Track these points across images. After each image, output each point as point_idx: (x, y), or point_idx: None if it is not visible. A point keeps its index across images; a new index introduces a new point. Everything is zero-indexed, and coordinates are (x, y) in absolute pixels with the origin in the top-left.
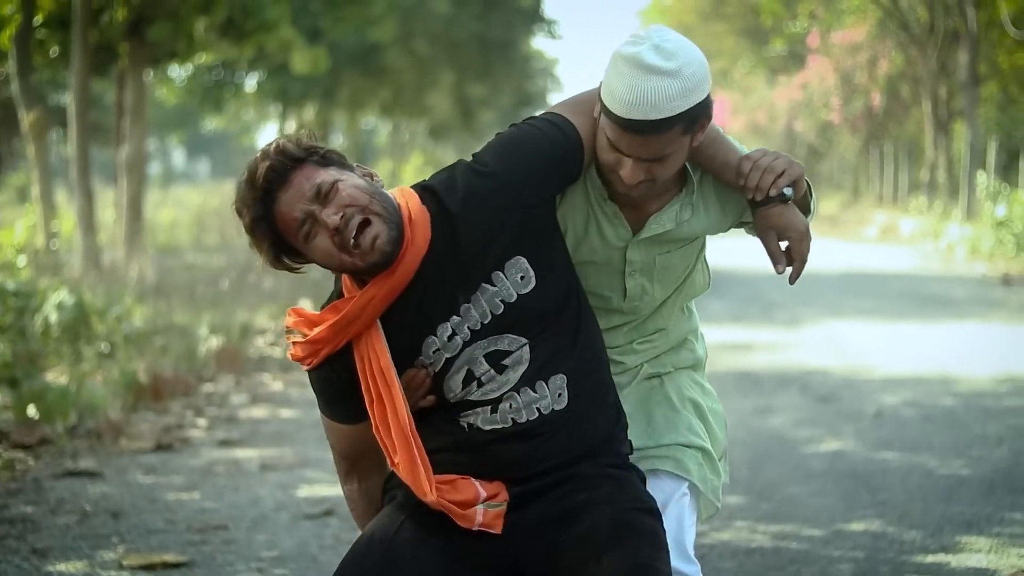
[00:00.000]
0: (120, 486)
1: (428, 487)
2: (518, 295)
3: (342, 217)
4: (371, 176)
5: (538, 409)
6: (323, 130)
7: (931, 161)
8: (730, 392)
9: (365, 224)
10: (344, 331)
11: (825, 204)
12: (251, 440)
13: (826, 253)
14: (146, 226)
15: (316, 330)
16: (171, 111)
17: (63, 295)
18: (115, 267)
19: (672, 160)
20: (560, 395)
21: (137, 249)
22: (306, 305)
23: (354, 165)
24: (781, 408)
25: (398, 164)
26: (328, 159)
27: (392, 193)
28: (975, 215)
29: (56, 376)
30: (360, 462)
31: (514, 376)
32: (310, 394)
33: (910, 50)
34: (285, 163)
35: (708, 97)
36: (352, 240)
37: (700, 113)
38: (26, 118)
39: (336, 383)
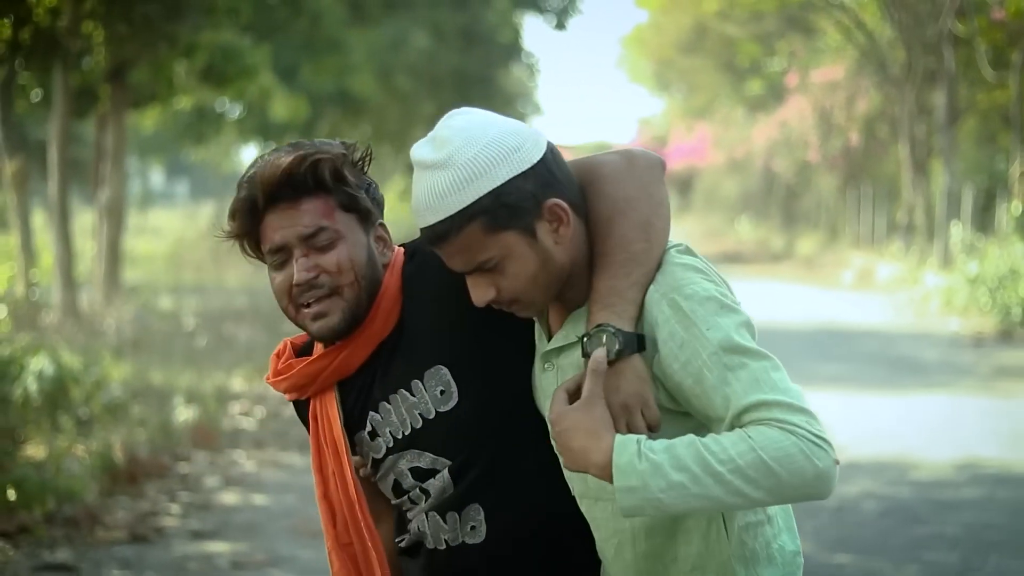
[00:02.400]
0: None
1: (386, 571)
2: (436, 412)
3: (312, 278)
4: (384, 242)
5: (446, 541)
6: None
7: (909, 202)
8: None
9: (327, 296)
10: (300, 388)
11: (803, 243)
12: (223, 532)
13: (803, 303)
14: (123, 260)
15: (281, 369)
16: (150, 137)
17: (43, 363)
18: (93, 311)
19: (512, 268)
20: (474, 528)
21: (115, 295)
22: None
23: (378, 224)
24: None
25: None
26: (353, 205)
27: (389, 264)
28: (950, 264)
29: (34, 450)
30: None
31: (435, 501)
32: (282, 477)
33: (888, 89)
34: (308, 184)
35: (521, 181)
36: (303, 301)
37: (509, 202)
38: (8, 166)
39: (304, 422)
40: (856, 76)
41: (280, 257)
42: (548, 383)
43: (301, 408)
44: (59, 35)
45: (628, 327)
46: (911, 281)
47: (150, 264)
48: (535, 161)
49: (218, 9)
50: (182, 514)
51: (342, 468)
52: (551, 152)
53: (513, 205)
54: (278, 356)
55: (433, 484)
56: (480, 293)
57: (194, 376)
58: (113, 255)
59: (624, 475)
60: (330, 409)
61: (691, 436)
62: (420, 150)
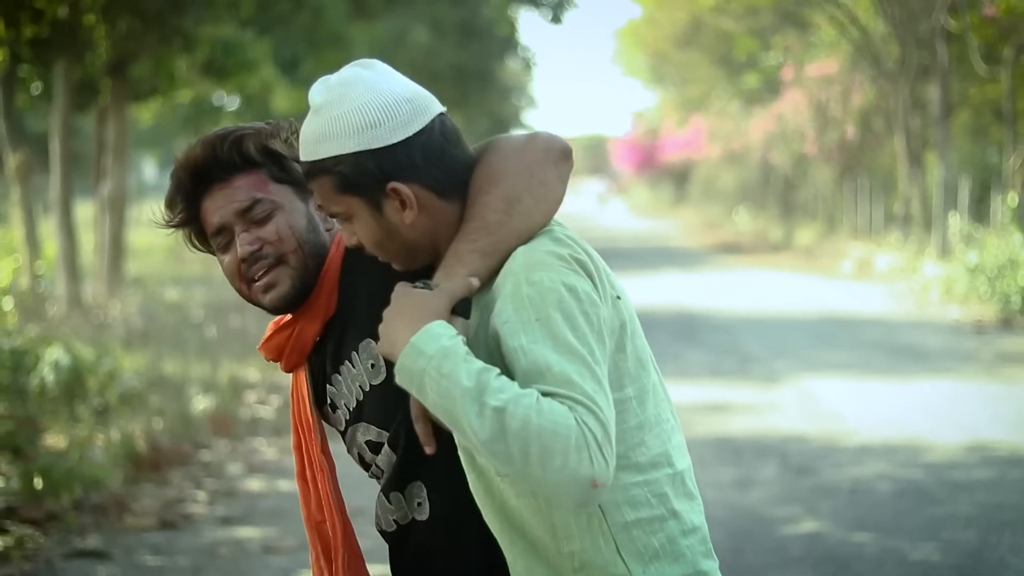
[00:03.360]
0: (130, 568)
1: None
2: (370, 385)
3: (255, 250)
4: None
5: (395, 522)
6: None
7: (905, 194)
8: (710, 461)
9: (274, 266)
10: (276, 359)
11: (801, 234)
12: (251, 518)
13: (803, 292)
14: (126, 252)
15: (264, 338)
16: (145, 130)
17: (58, 353)
18: (96, 303)
19: (359, 228)
20: (419, 504)
21: (118, 287)
22: None
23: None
24: (760, 481)
25: None
26: (285, 175)
27: (336, 238)
28: (949, 254)
29: (53, 439)
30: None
31: (384, 477)
32: None
33: (882, 83)
34: (235, 161)
35: (364, 157)
36: (251, 275)
37: (351, 175)
38: (11, 159)
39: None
40: (851, 70)
41: (223, 239)
42: None
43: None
44: (61, 29)
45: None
46: (910, 271)
47: (150, 257)
48: (389, 142)
49: (219, 3)
50: (208, 501)
51: (312, 446)
52: (424, 135)
53: (351, 177)
54: (274, 324)
55: (381, 459)
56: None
57: (206, 366)
58: (116, 247)
59: (425, 339)
60: (301, 387)
61: (495, 367)
62: (314, 87)
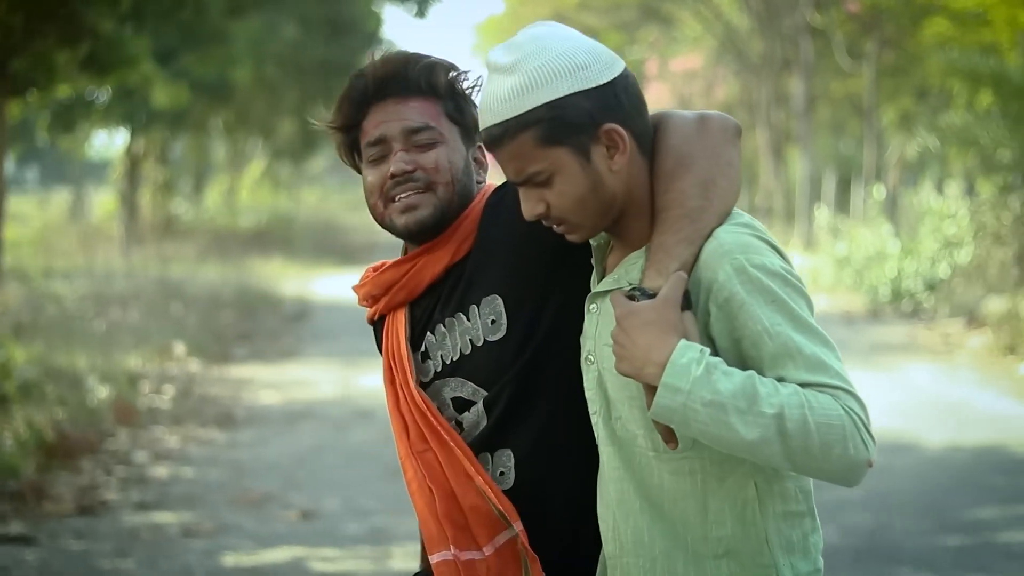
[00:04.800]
0: (56, 552)
1: (472, 469)
2: (484, 341)
3: (409, 170)
4: (480, 164)
5: None
6: (166, 152)
7: (767, 187)
8: None
9: (421, 191)
10: (374, 298)
11: None
12: (165, 503)
13: None
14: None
15: (363, 279)
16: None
17: None
18: None
19: (561, 185)
20: (503, 474)
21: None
22: (179, 349)
23: (477, 146)
24: None
25: (235, 180)
26: (459, 116)
27: (482, 189)
28: (814, 245)
29: None
30: None
31: (467, 437)
32: (206, 452)
33: (746, 77)
34: (420, 85)
35: (581, 98)
36: (395, 195)
37: (567, 118)
38: None
39: (378, 345)
40: (715, 65)
41: (379, 151)
42: (590, 324)
43: (377, 332)
44: None
45: (662, 281)
46: None
47: (16, 250)
48: (601, 82)
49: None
50: (121, 487)
51: (406, 380)
52: (625, 79)
53: (568, 120)
54: (370, 270)
55: (467, 417)
56: (529, 206)
57: (98, 357)
58: None
59: (676, 374)
60: (399, 326)
61: (751, 371)
62: (494, 53)
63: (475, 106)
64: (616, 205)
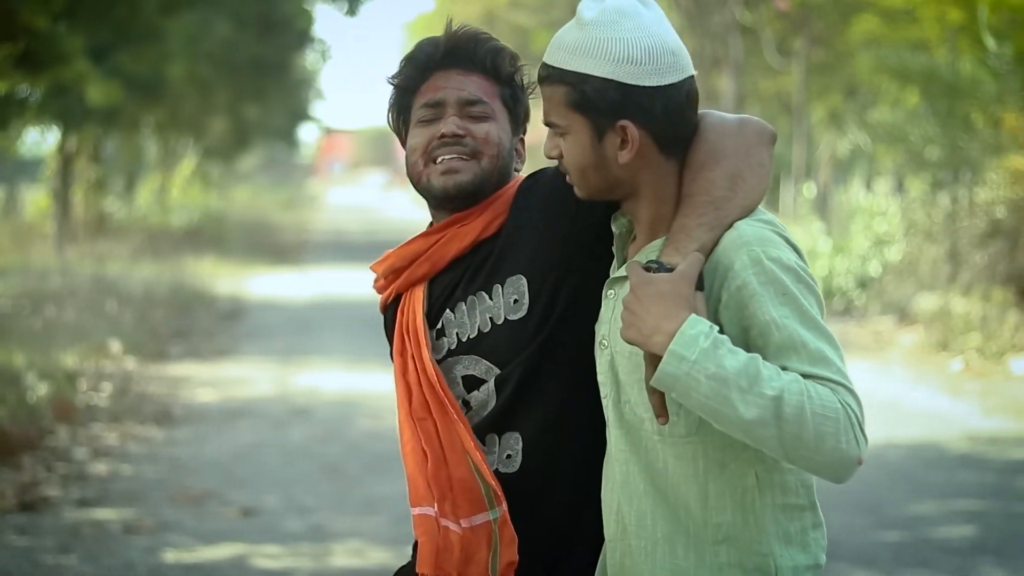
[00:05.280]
0: None
1: (471, 444)
2: (504, 319)
3: (460, 135)
4: (519, 154)
5: None
6: (99, 150)
7: None
8: None
9: (466, 157)
10: (396, 271)
11: None
12: (106, 500)
13: None
14: None
15: (385, 255)
16: None
17: None
18: None
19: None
20: (509, 457)
21: None
22: (116, 347)
23: (521, 137)
24: None
25: (167, 178)
26: (513, 105)
27: (516, 178)
28: None
29: None
30: None
31: (475, 418)
32: (145, 449)
33: None
34: (485, 65)
35: (613, 87)
36: (439, 156)
37: (591, 97)
38: None
39: (388, 333)
40: None
41: (432, 113)
42: (606, 309)
43: (389, 318)
44: None
45: (680, 259)
46: None
47: None
48: (640, 84)
49: None
50: (62, 484)
51: (420, 351)
52: (676, 91)
53: (591, 99)
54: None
55: (476, 396)
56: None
57: (35, 355)
58: None
59: (684, 343)
60: (416, 302)
61: (756, 354)
62: (586, 3)
63: (528, 98)
64: (621, 188)
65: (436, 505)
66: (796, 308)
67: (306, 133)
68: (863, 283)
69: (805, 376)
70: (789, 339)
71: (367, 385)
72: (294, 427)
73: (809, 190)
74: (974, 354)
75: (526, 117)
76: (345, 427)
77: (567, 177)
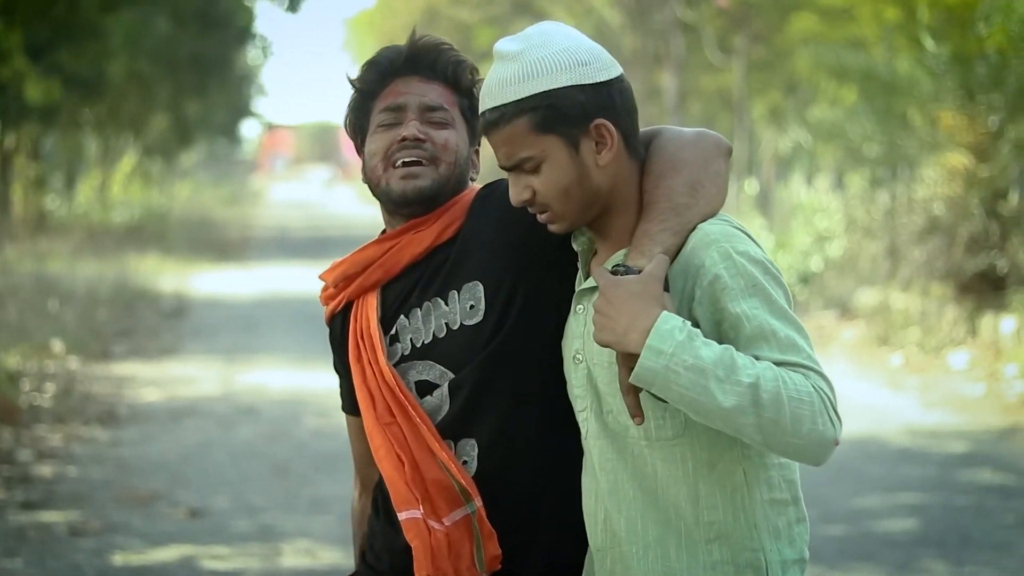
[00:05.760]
0: None
1: (436, 444)
2: (460, 324)
3: (421, 139)
4: (473, 164)
5: None
6: (38, 147)
7: None
8: None
9: (425, 162)
10: (348, 278)
11: None
12: (51, 502)
13: None
14: None
15: (335, 263)
16: None
17: None
18: None
19: (548, 173)
20: (466, 463)
21: None
22: (58, 346)
23: (476, 149)
24: None
25: (107, 175)
26: (469, 117)
27: (473, 185)
28: None
29: None
30: (371, 475)
31: (436, 423)
32: (90, 450)
33: None
34: (446, 75)
35: (577, 91)
36: (398, 159)
37: (562, 108)
38: None
39: (334, 344)
40: None
41: (393, 117)
42: (577, 324)
43: (336, 329)
44: None
45: (645, 261)
46: None
47: None
48: (598, 80)
49: None
50: (5, 486)
51: (377, 357)
52: (620, 82)
53: (562, 111)
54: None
55: (429, 401)
56: (517, 191)
57: None
58: None
59: (660, 337)
60: (369, 308)
61: (729, 345)
62: (502, 42)
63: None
64: (600, 200)
65: (421, 507)
66: (765, 299)
67: (248, 129)
68: (805, 279)
69: (777, 364)
70: (759, 329)
71: (313, 383)
72: (241, 426)
73: (751, 186)
74: (914, 349)
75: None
76: (292, 426)
77: (540, 216)
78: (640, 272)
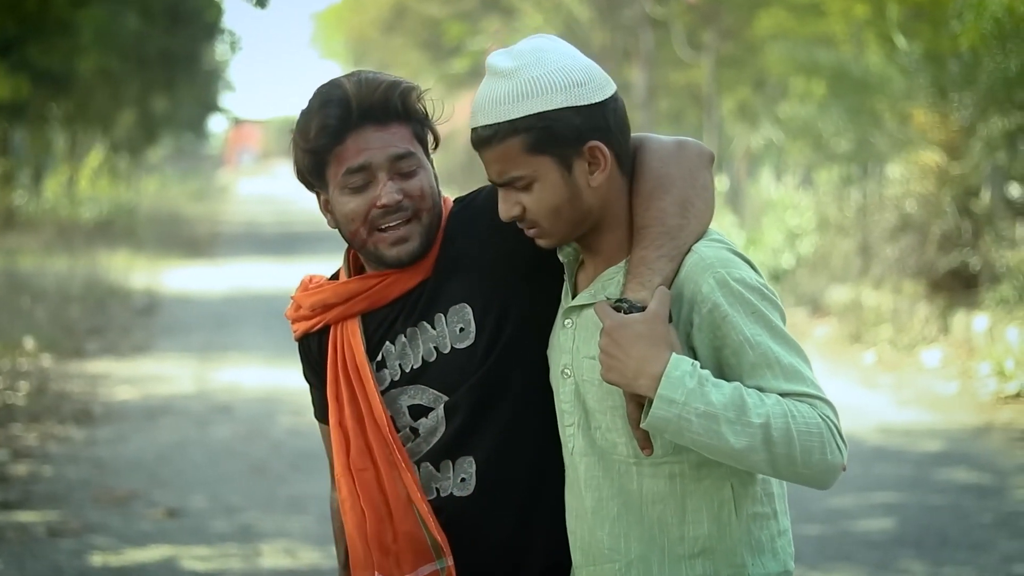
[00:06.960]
0: None
1: (417, 495)
2: (451, 348)
3: (400, 201)
4: (436, 177)
5: (437, 490)
6: (6, 143)
7: None
8: None
9: (408, 220)
10: (325, 308)
11: None
12: (28, 502)
13: None
14: None
15: (313, 287)
16: None
17: None
18: None
19: (540, 193)
20: (464, 480)
21: None
22: (30, 344)
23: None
24: None
25: (75, 171)
26: (423, 137)
27: (446, 200)
28: None
29: None
30: None
31: (424, 446)
32: (66, 449)
33: None
34: (399, 110)
35: (572, 113)
36: (383, 224)
37: (556, 130)
38: None
39: (308, 359)
40: None
41: (361, 179)
42: (565, 339)
43: (308, 347)
44: None
45: (647, 294)
46: None
47: None
48: (593, 102)
49: None
50: None
51: (366, 393)
52: (615, 102)
53: (556, 133)
54: (308, 280)
55: (424, 423)
56: (506, 207)
57: None
58: None
59: (672, 386)
60: (352, 337)
61: (738, 383)
62: (495, 56)
63: (432, 122)
64: (590, 219)
65: (377, 571)
66: (766, 325)
67: (215, 124)
68: (776, 276)
69: (783, 394)
70: (763, 356)
71: (287, 381)
72: (216, 425)
73: (721, 183)
74: (886, 346)
75: (436, 140)
76: (268, 424)
77: (528, 231)
78: (644, 308)
